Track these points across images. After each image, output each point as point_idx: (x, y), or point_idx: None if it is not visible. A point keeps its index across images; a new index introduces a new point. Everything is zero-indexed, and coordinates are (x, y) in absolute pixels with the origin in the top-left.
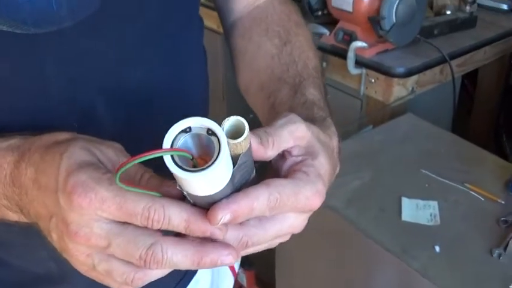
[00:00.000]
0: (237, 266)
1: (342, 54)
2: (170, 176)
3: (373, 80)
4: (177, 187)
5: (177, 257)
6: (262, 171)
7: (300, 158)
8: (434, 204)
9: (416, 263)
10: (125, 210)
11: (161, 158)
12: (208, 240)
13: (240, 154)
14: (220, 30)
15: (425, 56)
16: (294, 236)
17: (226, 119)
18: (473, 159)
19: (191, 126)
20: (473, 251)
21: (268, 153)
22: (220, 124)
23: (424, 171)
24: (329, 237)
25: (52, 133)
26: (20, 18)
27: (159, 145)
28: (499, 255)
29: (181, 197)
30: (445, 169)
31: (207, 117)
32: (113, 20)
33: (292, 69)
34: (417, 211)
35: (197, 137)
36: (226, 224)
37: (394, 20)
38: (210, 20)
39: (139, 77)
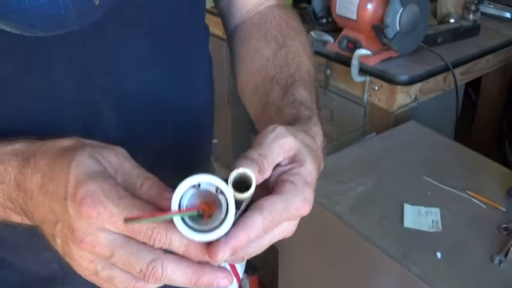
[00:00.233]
0: (241, 272)
1: (346, 62)
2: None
3: (376, 88)
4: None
5: (176, 274)
6: None
7: (287, 167)
8: (436, 211)
9: (418, 269)
10: (130, 227)
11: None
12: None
13: (244, 201)
14: (225, 37)
15: (429, 64)
16: (297, 242)
17: (235, 170)
18: (475, 166)
19: (200, 183)
20: (475, 258)
21: (266, 176)
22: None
23: (426, 178)
24: (332, 243)
25: (56, 139)
26: (28, 22)
27: (161, 145)
28: (500, 261)
29: None
30: (447, 176)
31: (212, 125)
32: (119, 25)
33: (285, 71)
34: (419, 218)
35: (204, 191)
36: None
37: (398, 28)
38: (216, 26)
39: (144, 81)
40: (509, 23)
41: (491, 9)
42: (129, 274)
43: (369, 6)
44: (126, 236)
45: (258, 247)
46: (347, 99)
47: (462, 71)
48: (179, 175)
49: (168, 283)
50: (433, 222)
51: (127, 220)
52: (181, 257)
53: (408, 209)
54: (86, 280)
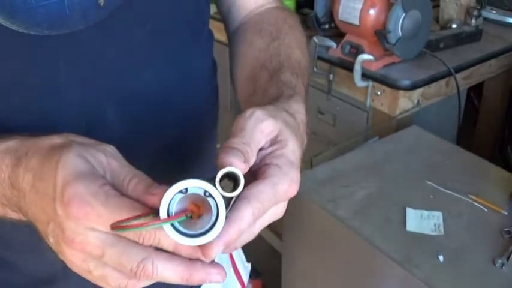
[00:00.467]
0: (246, 279)
1: (349, 67)
2: (159, 179)
3: (379, 93)
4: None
5: (168, 272)
6: None
7: (269, 150)
8: (438, 214)
9: (420, 272)
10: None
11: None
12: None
13: (233, 198)
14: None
15: (431, 69)
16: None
17: (221, 170)
18: (477, 171)
19: (188, 188)
20: (477, 261)
21: (251, 164)
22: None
23: (428, 182)
24: (335, 247)
25: (47, 136)
26: (34, 21)
27: (164, 145)
28: (502, 264)
29: None
30: (449, 180)
31: (215, 127)
32: (123, 25)
33: (275, 59)
34: (421, 221)
35: (192, 195)
36: None
37: (400, 34)
38: (219, 32)
39: (147, 81)
40: (511, 28)
41: (493, 15)
42: (122, 272)
43: (371, 11)
44: (116, 235)
45: (250, 235)
46: (350, 104)
47: (464, 76)
48: (180, 175)
49: (161, 280)
50: (435, 225)
51: (114, 228)
52: (173, 255)
53: (411, 212)
54: (86, 279)
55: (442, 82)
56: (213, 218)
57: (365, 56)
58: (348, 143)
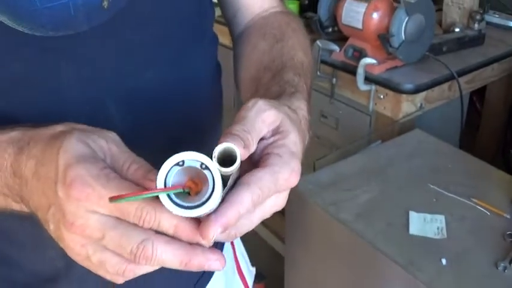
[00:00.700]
0: (250, 282)
1: (352, 71)
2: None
3: (382, 96)
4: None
5: (167, 255)
6: None
7: (271, 140)
8: (441, 218)
9: (423, 276)
10: (119, 208)
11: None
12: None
13: (231, 175)
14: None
15: (434, 73)
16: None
17: (218, 145)
18: (480, 174)
19: (184, 160)
20: (479, 264)
21: (251, 151)
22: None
23: (431, 186)
24: (338, 250)
25: (49, 126)
26: (39, 22)
27: (166, 145)
28: (504, 268)
29: None
30: (452, 184)
31: (219, 127)
32: (126, 27)
33: (278, 60)
34: (424, 225)
35: (189, 168)
36: None
37: (403, 38)
38: (223, 36)
39: (149, 81)
40: None
41: (496, 19)
42: (121, 257)
43: (375, 15)
44: (116, 218)
45: (249, 224)
46: (353, 107)
47: (467, 80)
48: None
49: (159, 265)
50: (438, 229)
51: (112, 199)
52: (173, 238)
53: (413, 216)
54: (88, 276)
55: (445, 86)
56: (209, 190)
57: (368, 60)
58: (351, 147)
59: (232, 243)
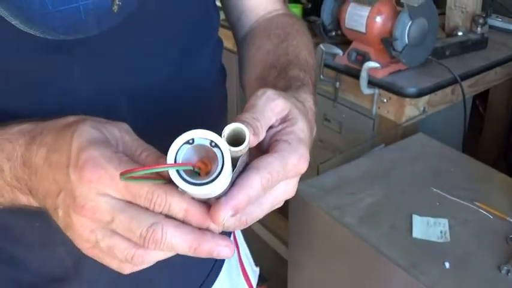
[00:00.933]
0: (254, 282)
1: (355, 74)
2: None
3: (385, 100)
4: (179, 189)
5: (176, 239)
6: None
7: (279, 127)
8: (444, 221)
9: (427, 279)
10: (130, 190)
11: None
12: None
13: (240, 156)
14: (236, 49)
15: (437, 77)
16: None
17: (228, 125)
18: (483, 178)
19: (194, 138)
20: (482, 268)
21: (261, 139)
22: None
23: (434, 189)
24: (341, 253)
25: (60, 117)
26: (51, 26)
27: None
28: (507, 271)
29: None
30: (455, 188)
31: (223, 125)
32: (135, 30)
33: (283, 58)
34: (428, 228)
35: (199, 146)
36: None
37: (407, 41)
38: (226, 39)
39: (158, 82)
40: None
41: (498, 22)
42: (130, 242)
43: (378, 19)
44: (127, 202)
45: (260, 210)
46: (356, 111)
47: (470, 84)
48: None
49: (168, 250)
50: (441, 232)
51: (123, 173)
52: (183, 224)
53: (417, 219)
54: (97, 275)
55: (448, 90)
56: (219, 167)
57: (371, 64)
58: (354, 151)
59: (236, 244)
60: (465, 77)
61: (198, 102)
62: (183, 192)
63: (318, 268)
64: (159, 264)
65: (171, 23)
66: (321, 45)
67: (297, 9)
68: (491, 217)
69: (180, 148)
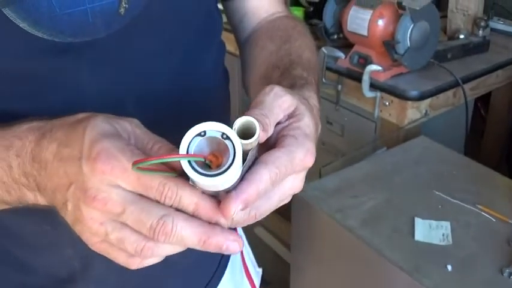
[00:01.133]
0: (257, 283)
1: (357, 78)
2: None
3: (387, 103)
4: (190, 182)
5: (186, 231)
6: None
7: (286, 123)
8: (446, 224)
9: (429, 282)
10: (142, 182)
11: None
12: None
13: (249, 150)
14: (238, 53)
15: (439, 80)
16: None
17: (238, 119)
18: (485, 181)
19: (206, 130)
20: (484, 271)
21: (269, 135)
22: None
23: (436, 192)
24: (343, 257)
25: (72, 115)
26: (59, 28)
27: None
28: (510, 274)
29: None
30: (457, 190)
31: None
32: (141, 32)
33: (286, 59)
34: (430, 231)
35: (211, 138)
36: None
37: (409, 44)
38: (228, 43)
39: (164, 83)
40: None
41: (500, 25)
42: (140, 234)
43: (380, 22)
44: (138, 194)
45: (269, 204)
46: (358, 114)
47: (472, 87)
48: None
49: (178, 243)
50: (443, 235)
51: (135, 163)
52: (192, 217)
53: (419, 222)
54: (105, 276)
55: (450, 93)
56: (230, 159)
57: (373, 67)
58: (357, 153)
59: None
60: (467, 79)
61: (202, 103)
62: (193, 186)
63: (320, 271)
64: (165, 265)
65: (176, 24)
66: (323, 49)
67: (298, 12)
68: (494, 220)
69: (192, 140)
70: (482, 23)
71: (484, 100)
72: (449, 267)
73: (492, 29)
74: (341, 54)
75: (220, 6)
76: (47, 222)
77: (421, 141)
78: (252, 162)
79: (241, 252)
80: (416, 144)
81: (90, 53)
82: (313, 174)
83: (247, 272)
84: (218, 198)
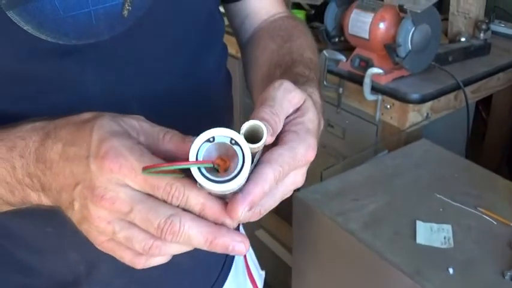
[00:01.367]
0: (260, 286)
1: (358, 81)
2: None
3: (388, 106)
4: (197, 185)
5: (193, 231)
6: None
7: (291, 117)
8: (448, 227)
9: (431, 285)
10: (149, 181)
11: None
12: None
13: (257, 152)
14: (239, 55)
15: (440, 83)
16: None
17: (246, 122)
18: (486, 184)
19: (215, 136)
20: (486, 273)
21: (277, 133)
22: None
23: (438, 195)
24: (345, 260)
25: (74, 115)
26: (62, 31)
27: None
28: (511, 277)
29: None
30: (458, 194)
31: (231, 128)
32: (145, 35)
33: (288, 57)
34: (431, 234)
35: (219, 143)
36: None
37: (410, 48)
38: (229, 46)
39: (167, 85)
40: None
41: (501, 28)
42: (147, 233)
43: (381, 25)
44: (145, 194)
45: (273, 201)
46: (359, 117)
47: (473, 90)
48: None
49: (185, 242)
50: (445, 238)
51: (145, 168)
52: (199, 217)
53: (420, 225)
54: (109, 279)
55: (451, 95)
56: (239, 165)
57: (375, 70)
58: (358, 156)
59: None
60: (468, 82)
61: (205, 104)
62: (200, 187)
63: (322, 274)
64: (170, 267)
65: (179, 27)
66: (324, 52)
67: (300, 15)
68: (495, 223)
69: (201, 146)
70: (484, 26)
71: (485, 103)
72: (450, 270)
73: (493, 32)
74: (342, 57)
75: (221, 9)
76: (49, 224)
77: (422, 144)
78: (256, 161)
79: (244, 255)
80: (417, 147)
81: (94, 55)
82: (315, 178)
83: (250, 275)
84: (225, 199)
